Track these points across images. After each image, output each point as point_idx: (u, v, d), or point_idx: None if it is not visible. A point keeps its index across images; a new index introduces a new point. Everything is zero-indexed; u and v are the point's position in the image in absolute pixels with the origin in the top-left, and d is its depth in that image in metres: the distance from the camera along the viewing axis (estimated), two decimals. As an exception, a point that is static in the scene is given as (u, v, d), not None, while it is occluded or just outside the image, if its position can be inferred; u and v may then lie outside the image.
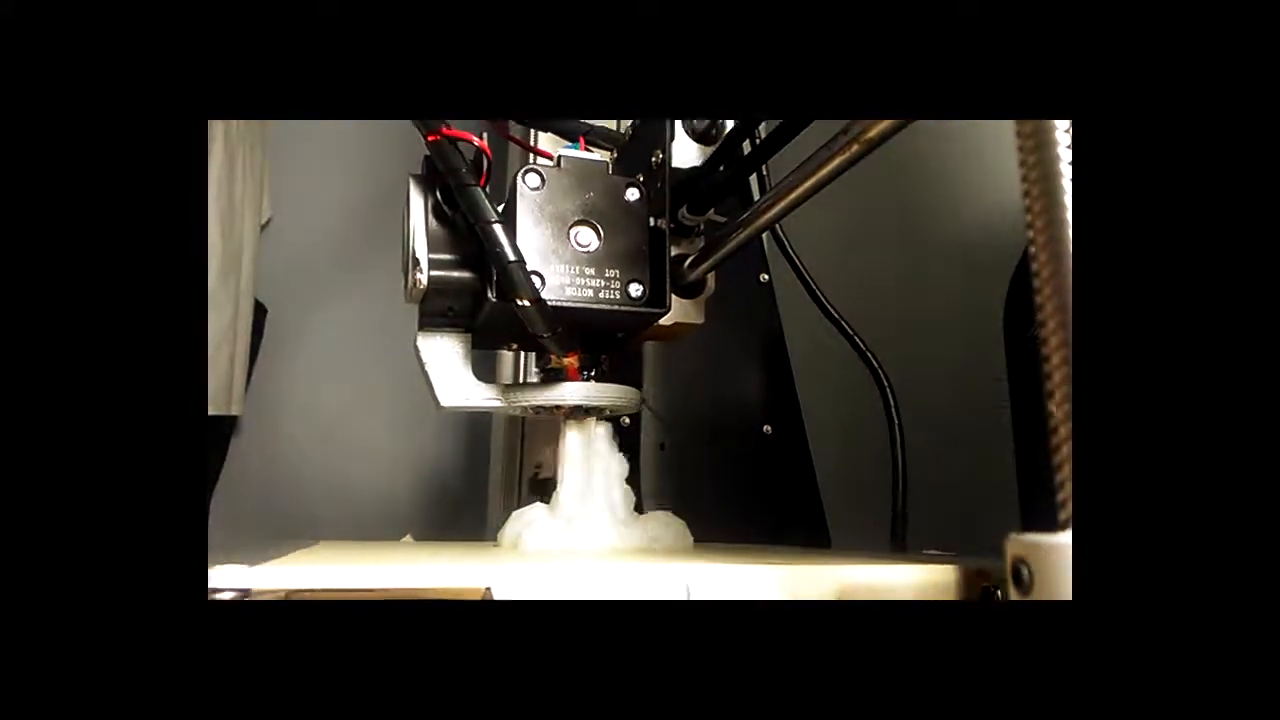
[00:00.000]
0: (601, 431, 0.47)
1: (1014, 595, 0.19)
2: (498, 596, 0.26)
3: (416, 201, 0.42)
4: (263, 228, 1.26)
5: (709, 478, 0.67)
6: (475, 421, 1.28)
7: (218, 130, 1.12)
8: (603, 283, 0.41)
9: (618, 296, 0.42)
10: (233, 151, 1.16)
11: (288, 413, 1.29)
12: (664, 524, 0.46)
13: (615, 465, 0.47)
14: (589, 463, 0.46)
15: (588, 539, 0.44)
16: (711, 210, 0.46)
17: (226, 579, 0.25)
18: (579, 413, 0.46)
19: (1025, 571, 0.19)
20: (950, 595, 0.29)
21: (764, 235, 0.62)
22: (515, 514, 0.47)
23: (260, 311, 1.24)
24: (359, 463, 1.29)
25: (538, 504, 0.47)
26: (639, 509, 0.48)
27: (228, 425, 1.20)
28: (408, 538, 0.60)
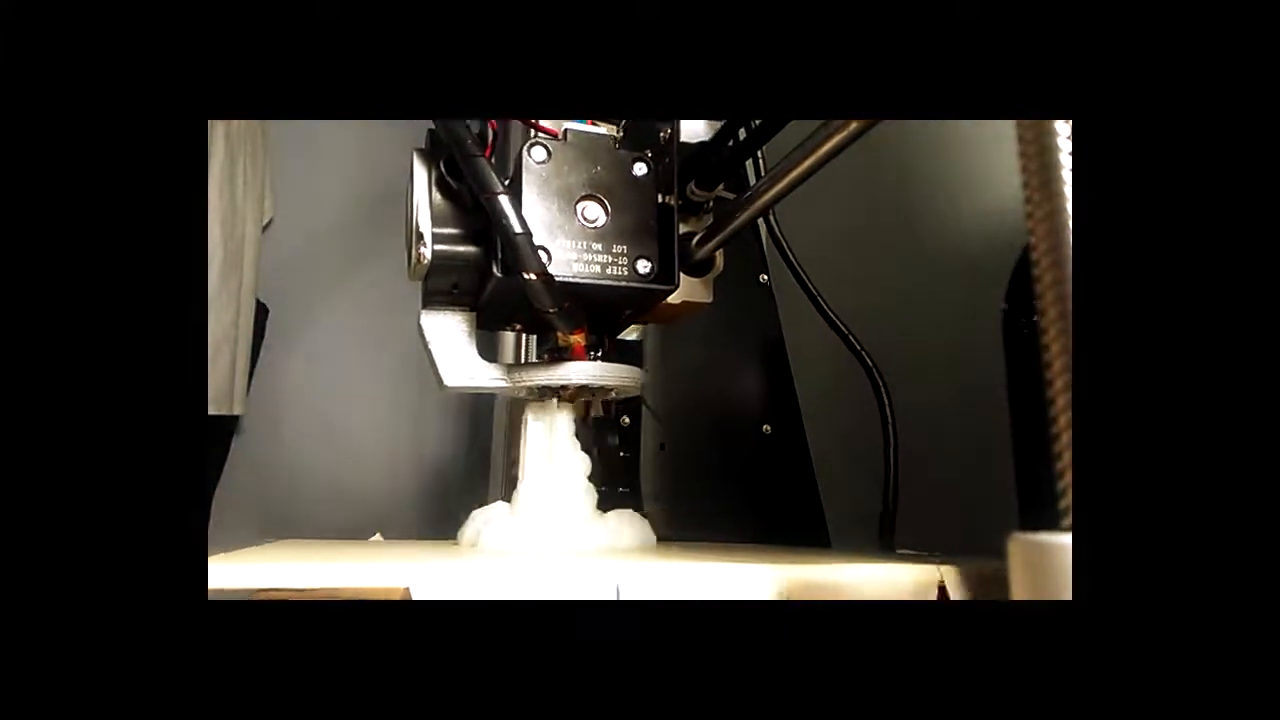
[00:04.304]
0: (564, 427, 0.46)
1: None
2: (416, 597, 0.26)
3: (420, 175, 0.41)
4: (264, 228, 1.26)
5: (708, 477, 0.67)
6: (477, 419, 1.28)
7: (218, 131, 1.12)
8: (610, 258, 0.40)
9: (625, 273, 0.40)
10: (234, 152, 1.16)
11: (289, 412, 1.29)
12: (626, 522, 0.45)
13: (578, 462, 0.46)
14: (551, 459, 0.45)
15: (548, 537, 0.43)
16: (720, 186, 0.45)
17: None
18: (584, 393, 0.45)
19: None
20: (910, 595, 0.29)
21: (764, 236, 0.62)
22: (475, 512, 0.46)
23: (262, 311, 1.24)
24: (360, 462, 1.29)
25: (499, 502, 0.46)
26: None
27: (229, 425, 1.20)
28: (376, 536, 0.60)
